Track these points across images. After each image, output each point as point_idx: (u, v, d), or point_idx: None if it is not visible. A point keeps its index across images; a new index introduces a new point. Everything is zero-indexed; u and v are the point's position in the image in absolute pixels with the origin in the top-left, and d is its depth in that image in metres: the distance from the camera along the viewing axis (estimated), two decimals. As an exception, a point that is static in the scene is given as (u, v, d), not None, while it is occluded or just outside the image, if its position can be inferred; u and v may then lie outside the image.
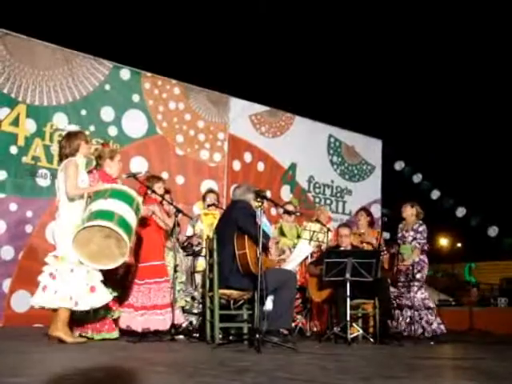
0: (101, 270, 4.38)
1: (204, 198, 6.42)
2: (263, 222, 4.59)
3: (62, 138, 4.74)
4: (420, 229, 6.50)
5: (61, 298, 4.24)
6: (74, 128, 4.82)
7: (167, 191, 5.82)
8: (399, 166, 10.69)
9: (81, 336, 4.53)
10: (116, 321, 4.88)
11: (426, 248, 6.51)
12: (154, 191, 5.33)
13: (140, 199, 4.59)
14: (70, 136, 4.61)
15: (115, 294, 4.80)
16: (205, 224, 6.11)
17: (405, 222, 6.70)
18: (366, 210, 7.34)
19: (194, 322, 5.67)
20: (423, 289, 6.40)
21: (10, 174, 6.47)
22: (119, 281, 4.98)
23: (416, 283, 6.32)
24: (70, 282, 4.26)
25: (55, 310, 4.32)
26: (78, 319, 4.52)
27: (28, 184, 6.58)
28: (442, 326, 6.28)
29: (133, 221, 4.37)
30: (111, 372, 2.80)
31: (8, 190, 6.43)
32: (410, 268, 6.33)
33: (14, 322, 6.03)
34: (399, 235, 6.64)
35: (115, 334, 4.74)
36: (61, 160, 4.58)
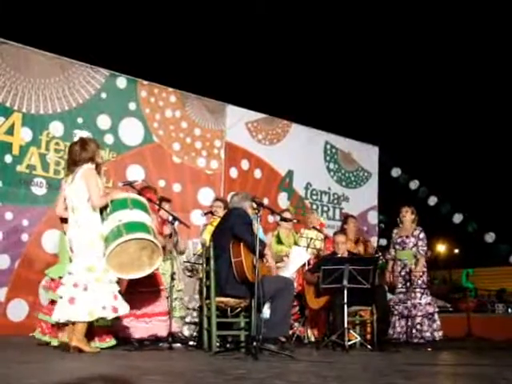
0: None
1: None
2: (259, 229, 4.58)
3: (74, 144, 4.55)
4: (421, 236, 6.45)
5: (95, 308, 4.19)
6: (85, 134, 4.76)
7: (168, 200, 5.80)
8: (396, 172, 10.68)
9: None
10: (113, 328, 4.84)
11: (428, 255, 6.53)
12: (151, 200, 5.29)
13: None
14: (86, 141, 4.51)
15: None
16: (206, 233, 6.07)
17: (401, 226, 6.62)
18: (353, 216, 7.33)
19: (186, 332, 5.65)
20: (426, 294, 6.35)
21: (5, 183, 6.45)
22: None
23: (419, 289, 6.31)
24: (102, 291, 4.24)
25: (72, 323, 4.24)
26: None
27: (22, 193, 6.56)
28: (439, 333, 6.24)
29: (156, 230, 4.59)
30: (108, 381, 2.78)
31: (3, 198, 6.42)
32: (408, 274, 6.32)
33: (9, 331, 5.98)
34: (398, 240, 6.53)
35: (113, 341, 4.70)
36: (73, 166, 4.41)
